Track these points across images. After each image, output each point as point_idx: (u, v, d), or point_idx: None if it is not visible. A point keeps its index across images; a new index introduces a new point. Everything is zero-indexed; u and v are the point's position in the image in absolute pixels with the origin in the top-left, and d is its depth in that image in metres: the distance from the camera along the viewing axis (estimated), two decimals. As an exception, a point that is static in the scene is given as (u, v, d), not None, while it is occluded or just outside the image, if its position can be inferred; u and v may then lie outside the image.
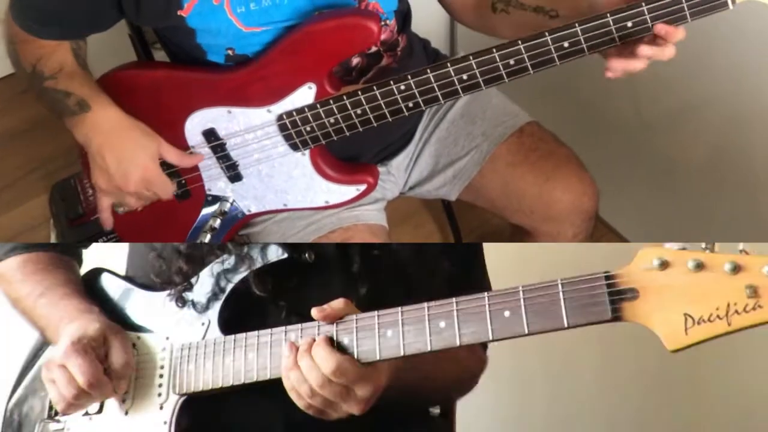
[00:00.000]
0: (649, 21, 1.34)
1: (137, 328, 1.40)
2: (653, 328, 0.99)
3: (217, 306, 1.32)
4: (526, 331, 1.06)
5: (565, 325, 1.04)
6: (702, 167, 2.34)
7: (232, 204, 1.71)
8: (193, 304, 1.34)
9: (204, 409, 1.33)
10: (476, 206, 1.99)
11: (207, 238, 1.71)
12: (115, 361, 1.30)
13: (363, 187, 1.69)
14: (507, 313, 1.07)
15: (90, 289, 1.48)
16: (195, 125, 1.60)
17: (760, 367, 2.11)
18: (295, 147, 1.60)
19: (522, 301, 1.06)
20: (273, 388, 1.24)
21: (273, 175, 1.66)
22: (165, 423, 1.31)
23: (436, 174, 1.89)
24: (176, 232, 1.74)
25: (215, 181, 1.68)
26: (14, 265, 1.50)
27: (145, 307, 1.42)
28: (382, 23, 1.62)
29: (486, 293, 1.09)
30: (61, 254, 1.56)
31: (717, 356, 2.15)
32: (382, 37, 1.65)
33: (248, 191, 1.69)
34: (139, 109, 1.58)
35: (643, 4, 1.32)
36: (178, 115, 1.60)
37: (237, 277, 1.32)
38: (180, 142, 1.62)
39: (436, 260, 1.42)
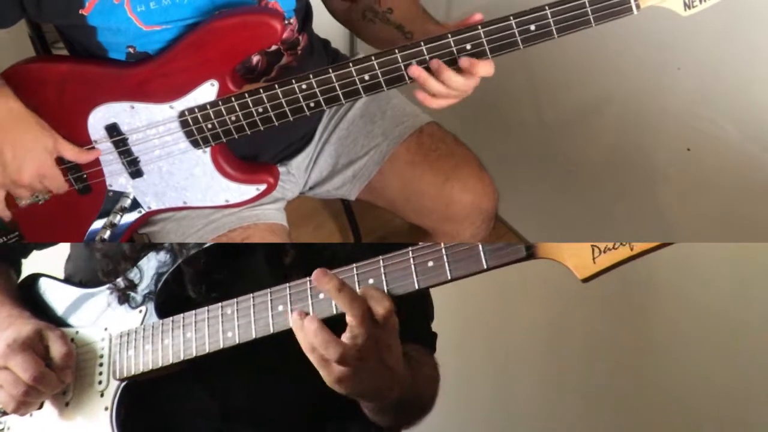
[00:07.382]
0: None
1: (75, 324, 1.43)
2: (564, 262, 1.06)
3: (153, 295, 1.36)
4: (449, 277, 1.12)
5: (485, 267, 1.10)
6: (601, 167, 2.39)
7: (132, 200, 1.71)
8: (133, 300, 1.38)
9: (145, 392, 1.36)
10: (377, 207, 2.01)
11: (107, 234, 1.70)
12: (55, 353, 1.34)
13: (263, 187, 1.70)
14: (430, 264, 1.13)
15: (27, 294, 1.51)
16: (98, 119, 1.60)
17: (704, 361, 2.14)
18: (196, 144, 1.61)
19: (444, 251, 1.12)
20: (212, 372, 1.31)
21: (174, 172, 1.66)
22: (106, 409, 1.34)
23: (335, 174, 1.91)
24: (77, 227, 1.72)
25: (116, 177, 1.67)
26: None
27: (83, 303, 1.45)
28: (286, 21, 1.64)
29: (410, 248, 1.14)
30: None
31: (662, 358, 2.20)
32: (283, 35, 1.66)
33: (149, 187, 1.69)
34: (42, 102, 1.57)
35: (547, 8, 1.37)
36: (81, 109, 1.59)
37: (171, 266, 1.36)
38: (83, 136, 1.61)
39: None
